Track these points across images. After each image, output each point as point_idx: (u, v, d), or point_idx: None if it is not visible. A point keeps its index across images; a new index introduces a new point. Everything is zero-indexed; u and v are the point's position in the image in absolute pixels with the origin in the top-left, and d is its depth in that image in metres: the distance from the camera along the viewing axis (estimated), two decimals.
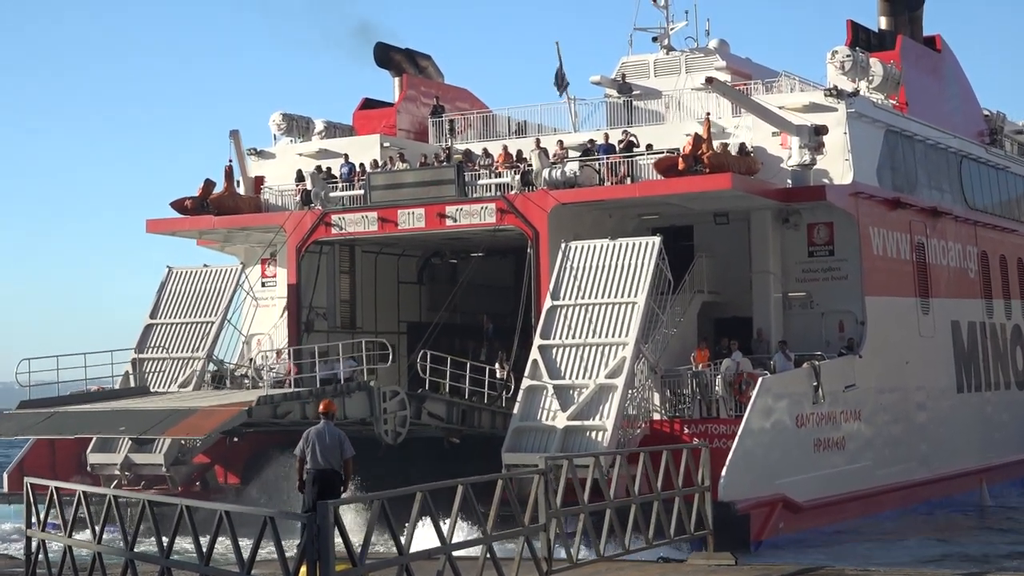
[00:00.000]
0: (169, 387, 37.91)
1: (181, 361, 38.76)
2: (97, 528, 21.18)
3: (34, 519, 23.05)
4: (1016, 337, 49.66)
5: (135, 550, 20.09)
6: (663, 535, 25.10)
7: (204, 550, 18.56)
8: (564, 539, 22.80)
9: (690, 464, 27.08)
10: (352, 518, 25.26)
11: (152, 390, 37.62)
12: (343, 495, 21.01)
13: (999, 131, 51.85)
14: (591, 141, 40.62)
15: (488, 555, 20.08)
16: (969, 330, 45.46)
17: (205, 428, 30.58)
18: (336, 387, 34.10)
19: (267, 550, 18.57)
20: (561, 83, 44.37)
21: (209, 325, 39.31)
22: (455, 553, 19.43)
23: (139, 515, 20.10)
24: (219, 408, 31.38)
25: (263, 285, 44.07)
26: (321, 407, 21.98)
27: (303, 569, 17.06)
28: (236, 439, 37.46)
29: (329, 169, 42.92)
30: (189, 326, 39.55)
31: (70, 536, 21.87)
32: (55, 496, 22.49)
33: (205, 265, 41.30)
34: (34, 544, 22.91)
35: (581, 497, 23.22)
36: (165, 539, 19.42)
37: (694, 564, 25.84)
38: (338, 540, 17.62)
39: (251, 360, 39.52)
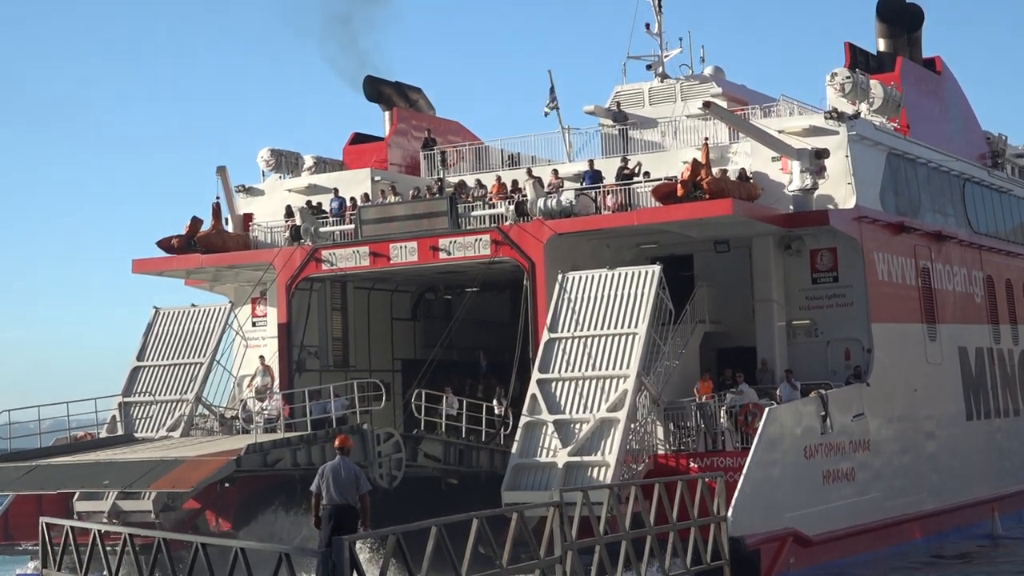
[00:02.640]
0: (157, 431, 36.91)
1: (169, 404, 37.74)
2: (113, 565, 21.77)
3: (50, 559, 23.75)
4: None
5: None
6: (676, 567, 24.69)
7: None
8: (580, 571, 22.35)
9: (705, 495, 26.59)
10: (366, 557, 24.77)
11: (139, 436, 36.64)
12: (363, 531, 20.91)
13: (1001, 153, 51.03)
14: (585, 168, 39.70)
15: None
16: (977, 356, 44.47)
17: (192, 480, 29.47)
18: (328, 431, 33.06)
19: None
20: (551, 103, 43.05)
21: (198, 367, 38.30)
22: None
23: (154, 554, 20.46)
24: (206, 458, 30.28)
25: (254, 324, 43.18)
26: (336, 443, 22.03)
27: None
28: (227, 484, 36.34)
29: (320, 204, 42.03)
30: (177, 368, 38.55)
31: (86, 575, 22.23)
32: (71, 535, 22.85)
33: (193, 305, 40.35)
34: None
35: (596, 529, 23.01)
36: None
37: None
38: None
39: (242, 402, 38.50)
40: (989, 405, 44.85)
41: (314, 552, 18.44)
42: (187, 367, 38.48)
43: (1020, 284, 49.23)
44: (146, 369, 38.98)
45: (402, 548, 18.61)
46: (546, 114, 42.60)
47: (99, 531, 22.36)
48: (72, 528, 23.10)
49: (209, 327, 39.17)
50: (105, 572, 22.47)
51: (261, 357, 40.04)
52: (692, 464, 32.97)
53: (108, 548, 22.69)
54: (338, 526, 20.69)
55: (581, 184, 38.79)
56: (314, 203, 42.03)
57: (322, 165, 45.77)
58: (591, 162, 40.00)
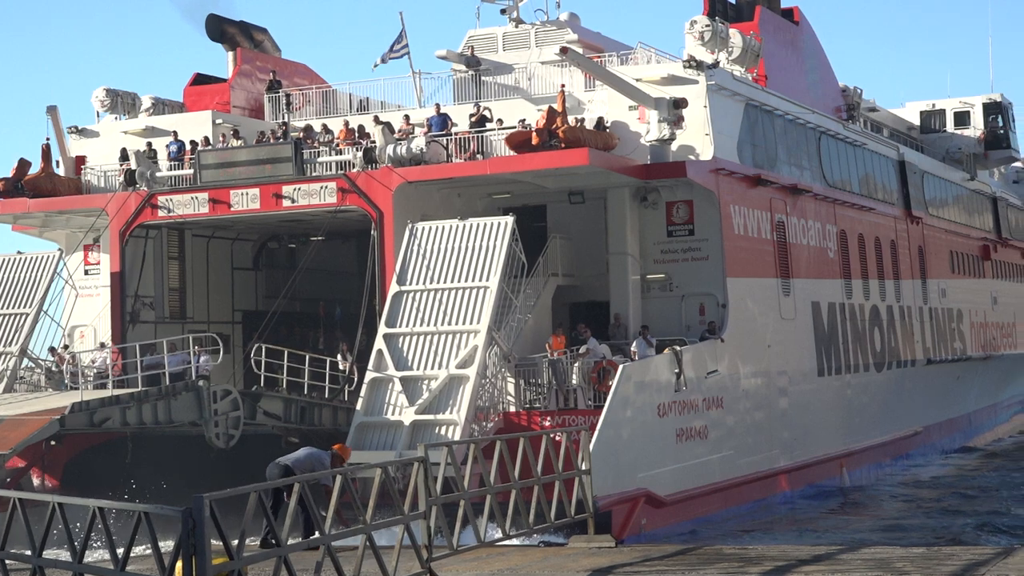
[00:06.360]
0: None
1: None
2: None
3: None
4: (874, 318, 48.52)
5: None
6: (541, 520, 24.48)
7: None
8: (444, 526, 22.16)
9: (571, 450, 25.92)
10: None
11: None
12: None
13: (856, 107, 50.70)
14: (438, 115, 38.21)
15: (368, 544, 19.39)
16: (829, 311, 44.09)
17: (10, 441, 27.65)
18: (161, 389, 31.31)
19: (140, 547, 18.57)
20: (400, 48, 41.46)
21: (23, 317, 36.26)
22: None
23: (9, 514, 19.01)
24: (27, 417, 28.37)
25: (86, 273, 41.10)
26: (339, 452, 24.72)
27: (179, 564, 16.27)
28: (53, 442, 34.38)
29: (158, 148, 39.96)
30: (1, 318, 36.37)
31: None
32: None
33: (19, 252, 38.16)
34: None
35: (461, 484, 22.56)
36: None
37: (576, 547, 25.67)
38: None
39: (71, 356, 36.44)
40: (840, 361, 44.57)
41: (174, 511, 17.42)
42: (12, 317, 36.44)
43: (872, 239, 49.03)
44: None
45: (263, 504, 17.80)
46: (383, 62, 41.08)
47: None
48: None
49: (36, 276, 37.11)
50: None
51: (52, 349, 37.60)
52: (545, 422, 31.91)
53: None
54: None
55: (428, 130, 37.33)
56: (152, 146, 39.99)
57: (161, 107, 43.66)
58: (437, 106, 38.58)
